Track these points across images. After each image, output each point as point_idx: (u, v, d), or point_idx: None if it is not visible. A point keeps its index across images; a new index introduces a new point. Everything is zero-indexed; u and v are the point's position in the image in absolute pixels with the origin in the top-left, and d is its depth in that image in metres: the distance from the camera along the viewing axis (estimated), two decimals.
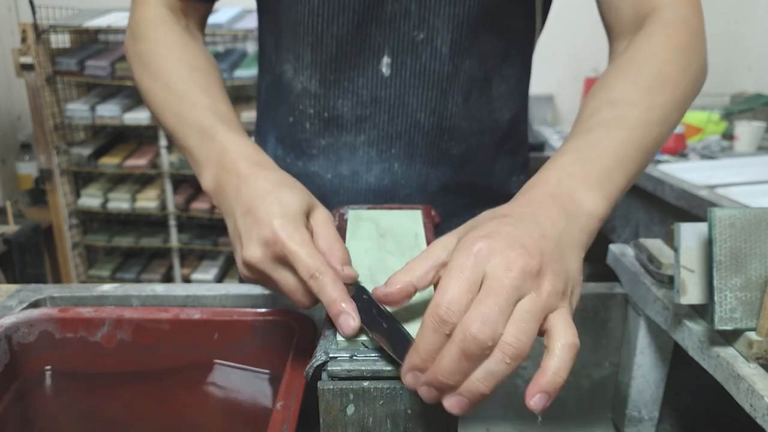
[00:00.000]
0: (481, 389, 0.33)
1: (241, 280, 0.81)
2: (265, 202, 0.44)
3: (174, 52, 0.60)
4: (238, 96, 2.30)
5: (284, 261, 0.43)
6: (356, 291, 0.42)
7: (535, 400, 0.32)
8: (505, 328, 0.33)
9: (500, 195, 0.75)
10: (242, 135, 0.52)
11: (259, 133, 0.77)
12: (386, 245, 0.52)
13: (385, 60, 0.63)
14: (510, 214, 0.39)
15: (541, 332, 0.34)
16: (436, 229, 0.58)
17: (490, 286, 0.33)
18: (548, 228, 0.38)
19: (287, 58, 0.67)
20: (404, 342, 0.36)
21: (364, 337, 0.39)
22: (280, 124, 0.71)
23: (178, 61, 0.59)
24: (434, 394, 0.34)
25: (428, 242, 0.52)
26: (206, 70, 0.60)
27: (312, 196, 0.48)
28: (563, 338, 0.33)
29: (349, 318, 0.39)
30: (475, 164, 0.71)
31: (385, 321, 0.38)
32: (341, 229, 0.56)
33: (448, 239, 0.39)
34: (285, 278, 0.43)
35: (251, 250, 0.43)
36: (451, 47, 0.63)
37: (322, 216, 0.47)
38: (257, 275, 0.45)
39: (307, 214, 0.46)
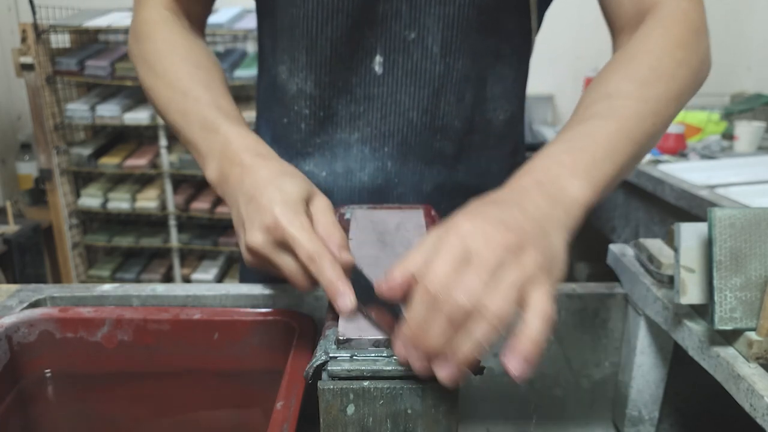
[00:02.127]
0: (468, 355, 0.35)
1: (244, 277, 0.82)
2: (267, 190, 0.46)
3: (176, 51, 0.62)
4: (237, 96, 2.30)
5: (285, 245, 0.45)
6: (354, 275, 0.44)
7: (515, 366, 0.34)
8: (488, 298, 0.35)
9: None
10: (244, 127, 0.54)
11: (257, 132, 0.77)
12: (388, 245, 0.52)
13: (378, 59, 0.64)
14: (496, 199, 0.42)
15: (520, 303, 0.36)
16: None
17: (473, 261, 0.36)
18: (531, 209, 0.40)
19: (282, 60, 0.67)
20: (400, 320, 0.38)
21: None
22: (275, 124, 0.71)
23: (181, 59, 0.61)
24: (425, 365, 0.36)
25: None
26: (208, 68, 0.62)
27: (312, 185, 0.50)
28: (539, 306, 0.35)
29: (346, 298, 0.42)
30: (469, 164, 0.71)
31: (381, 302, 0.40)
32: (343, 230, 0.56)
33: (440, 229, 0.40)
34: (286, 262, 0.45)
35: (254, 236, 0.46)
36: (442, 46, 0.63)
37: (321, 203, 0.49)
38: (260, 260, 0.47)
39: (307, 201, 0.48)
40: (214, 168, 0.52)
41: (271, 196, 0.46)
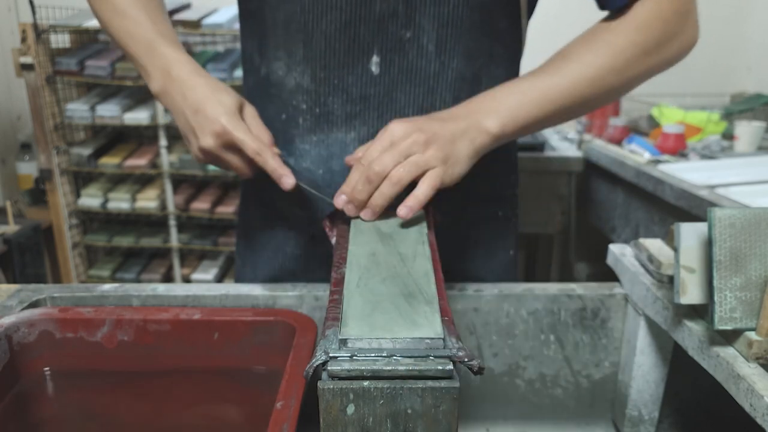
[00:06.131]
0: (379, 202, 0.54)
1: (240, 277, 0.82)
2: (210, 103, 0.59)
3: None
4: None
5: (232, 146, 0.59)
6: (306, 181, 0.62)
7: (402, 210, 0.53)
8: (395, 169, 0.54)
9: (490, 194, 0.76)
10: (180, 49, 0.64)
11: None
12: (389, 245, 0.52)
13: (375, 59, 0.65)
14: (429, 116, 0.59)
15: (419, 179, 0.54)
16: (436, 229, 0.58)
17: (391, 146, 0.55)
18: (449, 124, 0.57)
19: (277, 56, 0.68)
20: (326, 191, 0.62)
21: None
22: (271, 123, 0.71)
23: None
24: (352, 208, 0.56)
25: (430, 241, 0.52)
26: None
27: (241, 97, 0.63)
28: (427, 180, 0.54)
29: (289, 177, 0.60)
30: None
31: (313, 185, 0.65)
32: (343, 231, 0.56)
33: (382, 130, 0.57)
34: (233, 159, 0.60)
35: (206, 141, 0.59)
36: (437, 45, 0.64)
37: (250, 111, 0.63)
38: (211, 157, 0.61)
39: (240, 110, 0.61)
40: (157, 83, 0.63)
41: (215, 109, 0.58)
